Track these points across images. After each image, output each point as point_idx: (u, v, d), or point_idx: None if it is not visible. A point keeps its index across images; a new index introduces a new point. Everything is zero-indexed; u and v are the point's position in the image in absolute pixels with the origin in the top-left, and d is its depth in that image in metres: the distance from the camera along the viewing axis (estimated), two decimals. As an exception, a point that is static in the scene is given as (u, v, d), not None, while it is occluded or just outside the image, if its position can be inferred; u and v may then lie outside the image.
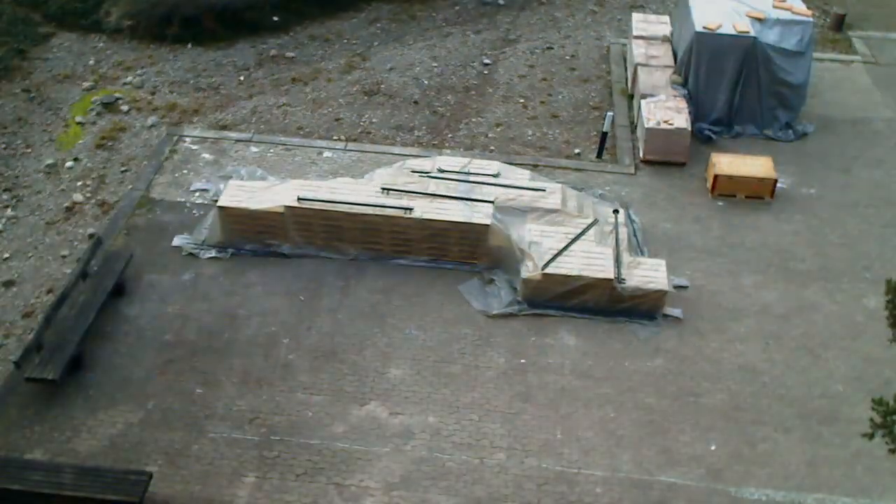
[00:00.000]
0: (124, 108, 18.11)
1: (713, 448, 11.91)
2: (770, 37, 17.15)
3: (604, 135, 16.91)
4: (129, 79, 19.01)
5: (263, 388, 12.42)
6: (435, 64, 19.76)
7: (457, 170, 15.26)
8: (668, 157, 16.78)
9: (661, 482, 11.46)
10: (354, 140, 17.33)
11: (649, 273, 13.69)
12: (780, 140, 17.63)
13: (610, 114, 16.86)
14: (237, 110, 18.17)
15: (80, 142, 17.24)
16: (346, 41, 20.67)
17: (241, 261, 14.42)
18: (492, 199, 14.48)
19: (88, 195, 15.89)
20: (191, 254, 14.44)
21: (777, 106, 17.67)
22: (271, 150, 16.91)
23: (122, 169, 16.48)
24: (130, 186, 16.00)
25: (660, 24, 19.60)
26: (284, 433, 11.83)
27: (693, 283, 14.33)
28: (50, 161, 16.69)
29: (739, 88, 17.43)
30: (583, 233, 14.15)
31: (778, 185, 16.13)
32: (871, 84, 19.52)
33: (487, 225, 13.99)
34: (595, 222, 14.48)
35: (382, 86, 18.95)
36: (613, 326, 13.54)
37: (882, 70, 20.00)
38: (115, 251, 14.25)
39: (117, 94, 18.46)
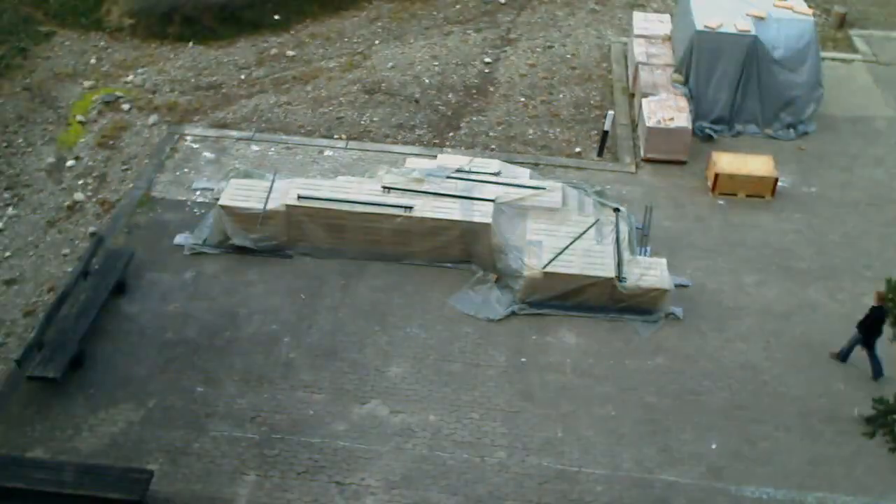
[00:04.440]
0: (125, 106, 18.12)
1: (714, 446, 11.91)
2: (771, 36, 17.13)
3: (605, 133, 16.90)
4: (131, 77, 19.01)
5: (264, 387, 12.43)
6: (436, 63, 19.75)
7: (457, 168, 15.26)
8: (669, 156, 16.78)
9: (662, 480, 11.47)
10: (355, 139, 17.34)
11: (650, 272, 13.70)
12: (781, 139, 17.62)
13: (611, 112, 16.86)
14: (238, 109, 18.17)
15: (82, 140, 17.25)
16: (346, 40, 20.66)
17: (241, 259, 14.42)
18: (492, 197, 14.49)
19: (90, 194, 15.90)
20: (192, 252, 14.45)
21: (778, 105, 17.64)
22: (272, 149, 16.92)
23: (124, 167, 16.49)
24: (131, 185, 16.01)
25: (660, 23, 19.60)
26: (285, 431, 11.84)
27: (694, 281, 14.33)
28: (51, 160, 16.71)
29: (740, 87, 17.42)
30: (584, 232, 14.15)
31: (779, 184, 16.14)
32: (872, 83, 19.51)
33: (488, 224, 13.99)
34: (596, 221, 14.48)
35: (383, 84, 18.95)
36: (614, 325, 13.55)
37: (883, 69, 19.99)
38: (117, 250, 14.25)
39: (118, 93, 18.47)
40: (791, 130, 17.65)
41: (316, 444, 11.72)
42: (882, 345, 12.31)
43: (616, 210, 15.03)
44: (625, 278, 13.49)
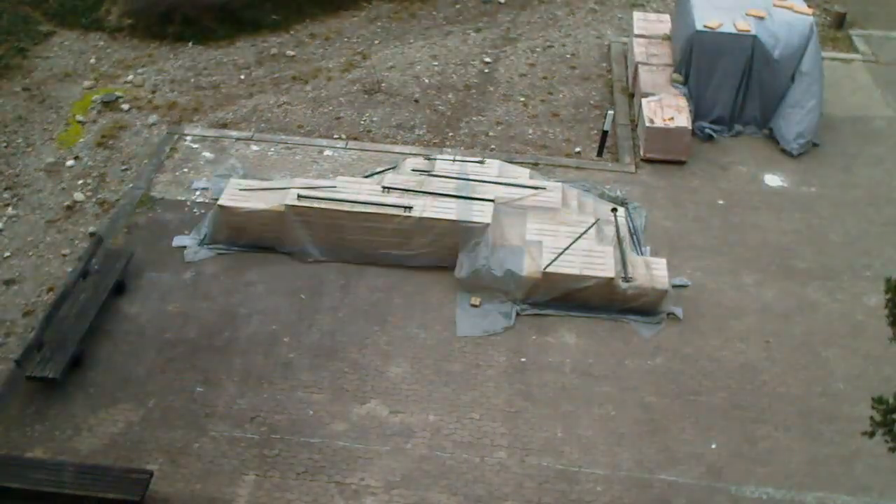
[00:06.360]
0: (125, 106, 18.11)
1: (713, 446, 11.92)
2: (770, 35, 17.12)
3: (604, 133, 16.90)
4: (130, 77, 19.01)
5: (264, 387, 12.43)
6: (435, 62, 19.75)
7: (449, 166, 15.30)
8: (669, 156, 16.78)
9: (662, 480, 11.48)
10: (355, 138, 17.34)
11: (650, 272, 13.69)
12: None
13: (610, 112, 16.85)
14: (238, 109, 18.17)
15: (81, 140, 17.24)
16: (346, 39, 20.66)
17: (241, 259, 14.42)
18: (492, 197, 14.48)
19: (89, 194, 15.90)
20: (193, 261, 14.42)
21: (779, 104, 17.63)
22: (272, 149, 16.92)
23: (123, 167, 16.49)
24: (131, 185, 16.01)
25: (660, 23, 19.60)
26: (285, 431, 11.84)
27: (693, 281, 14.33)
28: (51, 159, 16.70)
29: (740, 87, 17.41)
30: (585, 231, 14.14)
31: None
32: (872, 82, 19.51)
33: (488, 224, 13.98)
34: (597, 221, 14.47)
35: (383, 84, 18.95)
36: (614, 325, 13.55)
37: (882, 69, 19.98)
38: (116, 250, 14.25)
39: (118, 93, 18.47)
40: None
41: (316, 444, 11.72)
42: (883, 344, 12.29)
43: (613, 210, 15.04)
44: (632, 278, 13.48)
